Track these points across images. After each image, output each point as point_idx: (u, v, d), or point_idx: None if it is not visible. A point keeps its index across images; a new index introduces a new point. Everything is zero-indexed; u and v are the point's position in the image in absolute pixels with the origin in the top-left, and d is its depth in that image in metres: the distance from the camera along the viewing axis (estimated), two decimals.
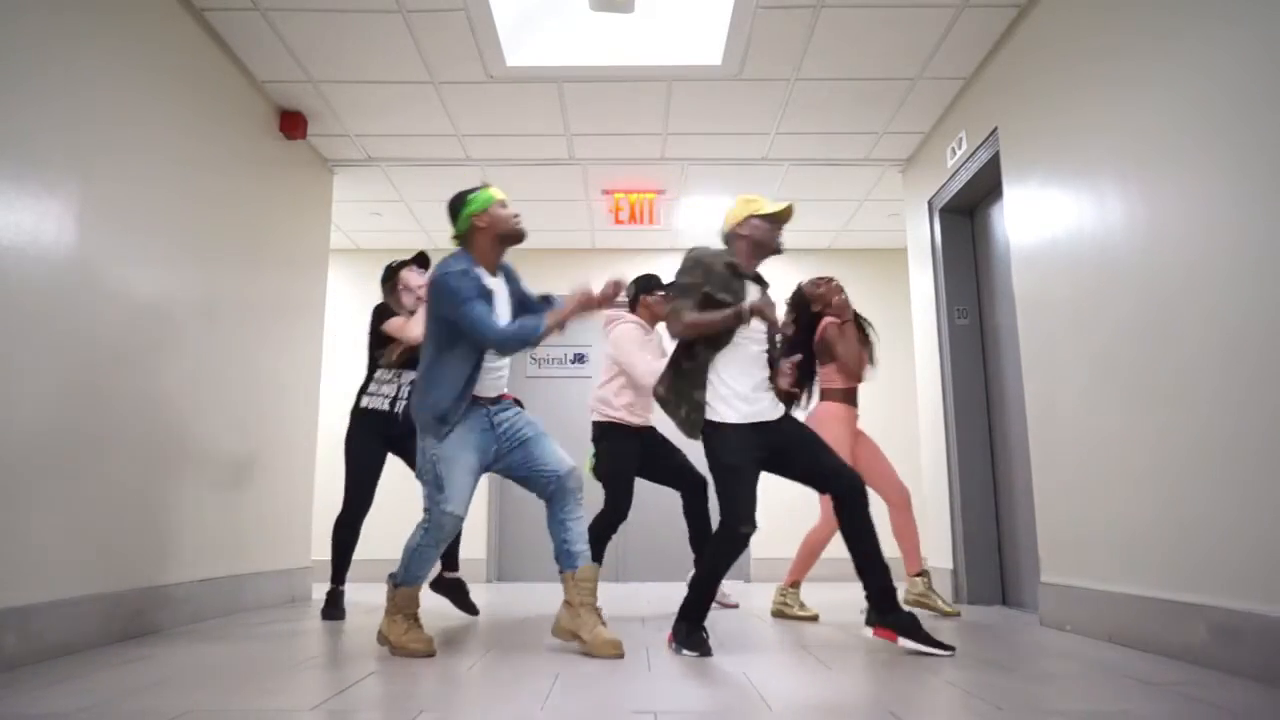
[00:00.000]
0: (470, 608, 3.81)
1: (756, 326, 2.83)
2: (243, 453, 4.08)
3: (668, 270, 6.70)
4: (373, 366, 3.90)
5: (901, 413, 6.13)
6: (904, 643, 2.66)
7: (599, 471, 3.88)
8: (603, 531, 3.74)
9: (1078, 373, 3.20)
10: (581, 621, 2.71)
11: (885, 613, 2.70)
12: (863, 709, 1.91)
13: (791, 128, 4.78)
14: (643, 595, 4.95)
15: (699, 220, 6.22)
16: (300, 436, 4.77)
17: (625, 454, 3.87)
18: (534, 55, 4.11)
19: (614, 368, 3.94)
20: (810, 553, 3.83)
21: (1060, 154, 3.33)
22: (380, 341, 3.86)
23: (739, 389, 2.78)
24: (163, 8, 3.43)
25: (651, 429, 3.98)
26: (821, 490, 2.86)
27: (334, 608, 3.78)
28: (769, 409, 2.83)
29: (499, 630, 3.30)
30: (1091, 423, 3.10)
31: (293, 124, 4.54)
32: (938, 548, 4.63)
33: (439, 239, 6.38)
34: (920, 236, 4.94)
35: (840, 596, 4.65)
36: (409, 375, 3.79)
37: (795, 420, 2.90)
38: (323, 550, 5.46)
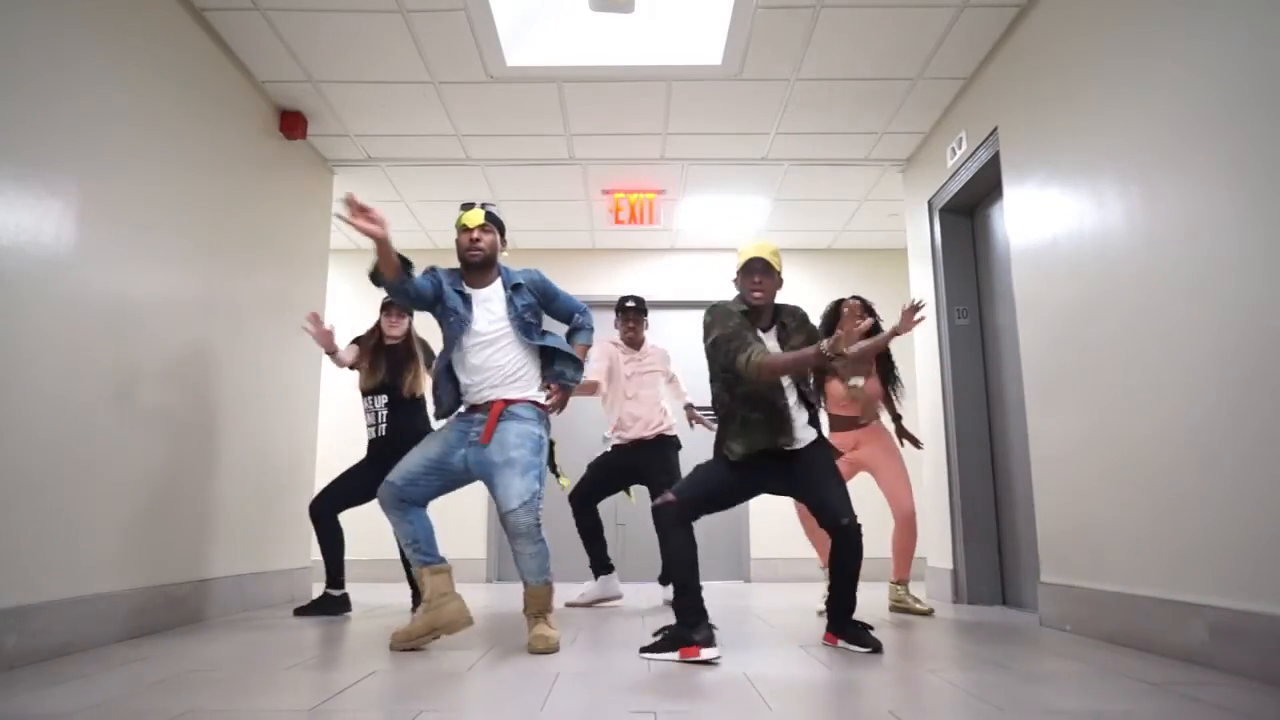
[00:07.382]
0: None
1: None
2: (242, 452, 4.07)
3: (667, 270, 6.77)
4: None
5: (901, 413, 6.12)
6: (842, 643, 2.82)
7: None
8: None
9: (1078, 373, 3.20)
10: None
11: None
12: (863, 709, 1.91)
13: (791, 128, 4.78)
14: (643, 595, 4.95)
15: (699, 220, 6.23)
16: (300, 436, 4.77)
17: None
18: (534, 55, 4.11)
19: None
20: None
21: (1060, 154, 3.33)
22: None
23: None
24: (163, 8, 3.43)
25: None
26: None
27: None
28: None
29: (499, 630, 3.30)
30: (1091, 423, 3.10)
31: (293, 124, 4.54)
32: (938, 548, 4.63)
33: (439, 239, 6.38)
34: (920, 236, 4.94)
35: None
36: (380, 400, 3.96)
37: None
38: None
